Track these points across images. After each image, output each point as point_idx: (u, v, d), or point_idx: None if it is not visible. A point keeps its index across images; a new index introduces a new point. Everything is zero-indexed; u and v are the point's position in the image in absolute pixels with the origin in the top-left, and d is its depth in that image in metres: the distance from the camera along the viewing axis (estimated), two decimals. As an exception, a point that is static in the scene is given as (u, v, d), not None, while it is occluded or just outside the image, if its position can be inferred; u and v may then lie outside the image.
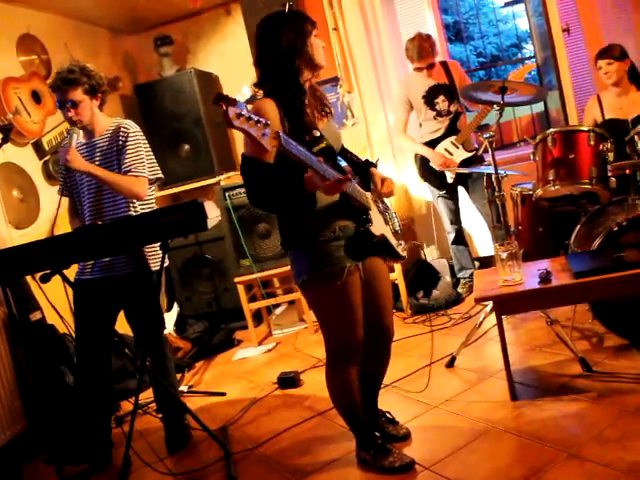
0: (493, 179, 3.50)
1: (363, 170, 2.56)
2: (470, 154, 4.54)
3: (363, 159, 2.63)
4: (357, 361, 2.47)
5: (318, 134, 2.33)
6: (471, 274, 4.71)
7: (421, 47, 4.42)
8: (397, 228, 2.61)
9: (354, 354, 2.45)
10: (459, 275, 4.83)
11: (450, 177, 4.59)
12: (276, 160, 2.24)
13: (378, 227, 2.43)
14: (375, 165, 2.59)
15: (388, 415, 2.79)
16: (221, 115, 1.88)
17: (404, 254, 2.59)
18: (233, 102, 1.88)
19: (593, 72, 4.70)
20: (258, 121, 1.91)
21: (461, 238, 4.82)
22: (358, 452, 2.58)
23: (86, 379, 3.03)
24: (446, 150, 4.56)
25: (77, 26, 5.01)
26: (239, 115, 1.88)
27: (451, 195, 4.71)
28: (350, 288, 2.35)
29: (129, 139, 3.00)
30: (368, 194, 2.49)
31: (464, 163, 4.52)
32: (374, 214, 2.44)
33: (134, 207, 3.04)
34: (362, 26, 5.14)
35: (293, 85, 2.34)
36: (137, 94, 5.40)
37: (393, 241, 2.53)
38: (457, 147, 4.52)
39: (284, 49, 2.30)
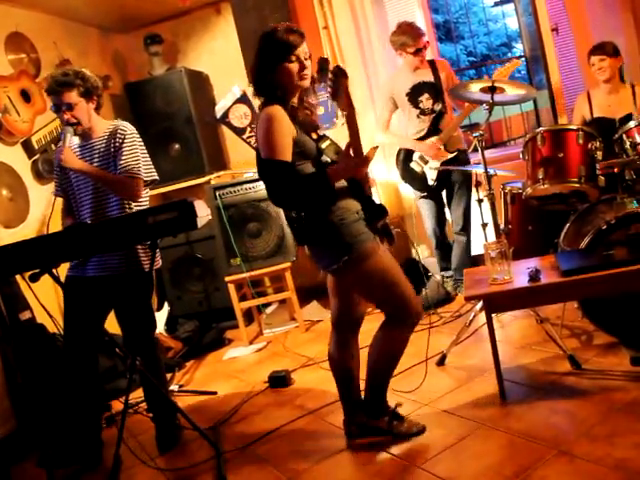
0: (482, 177, 3.51)
1: None
2: (452, 155, 4.47)
3: None
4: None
5: (321, 133, 2.54)
6: (452, 274, 4.73)
7: (412, 29, 4.38)
8: None
9: (413, 320, 2.59)
10: (441, 273, 4.81)
11: (431, 179, 4.52)
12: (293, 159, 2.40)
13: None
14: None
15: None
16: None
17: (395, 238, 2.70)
18: None
19: (582, 71, 4.72)
20: None
21: (444, 244, 4.80)
22: (368, 421, 2.70)
23: (74, 378, 3.02)
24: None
25: (66, 25, 4.99)
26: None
27: (433, 197, 4.65)
28: (386, 257, 2.53)
29: (126, 140, 2.99)
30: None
31: (447, 165, 4.45)
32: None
33: (129, 208, 3.03)
34: (352, 25, 5.15)
35: (280, 98, 2.46)
36: (127, 93, 5.38)
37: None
38: (439, 148, 4.49)
39: (262, 70, 2.46)
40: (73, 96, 2.93)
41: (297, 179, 2.39)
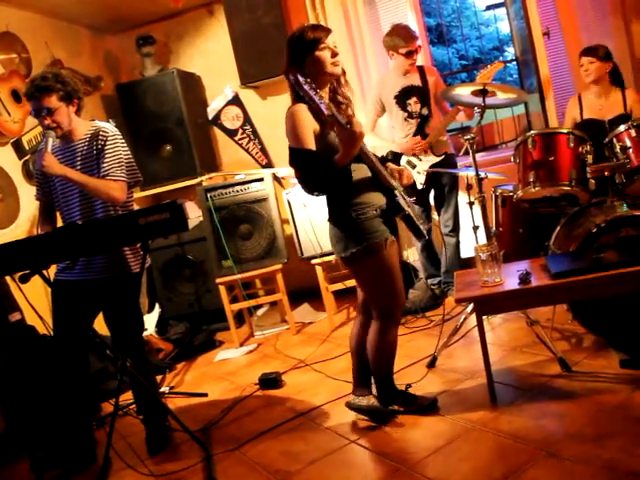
0: (473, 180, 3.52)
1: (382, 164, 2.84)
2: (439, 158, 4.48)
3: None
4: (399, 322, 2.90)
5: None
6: (439, 281, 4.74)
7: (406, 32, 4.40)
8: (417, 212, 2.93)
9: (400, 315, 2.85)
10: (429, 281, 4.79)
11: (420, 183, 4.51)
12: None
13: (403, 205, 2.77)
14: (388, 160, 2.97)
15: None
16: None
17: (425, 234, 2.89)
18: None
19: (573, 75, 4.74)
20: (316, 91, 2.39)
21: (430, 246, 4.79)
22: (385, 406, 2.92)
23: (64, 379, 3.01)
24: (414, 155, 4.52)
25: (58, 25, 4.97)
26: (305, 82, 2.39)
27: (421, 202, 4.60)
28: (393, 257, 2.71)
29: (108, 142, 2.96)
30: (396, 182, 2.81)
31: (435, 168, 4.44)
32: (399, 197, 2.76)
33: (115, 211, 3.01)
34: (345, 27, 5.14)
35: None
36: (119, 94, 5.36)
37: (417, 220, 2.82)
38: (425, 151, 4.49)
39: (293, 64, 2.61)
40: (53, 101, 2.90)
41: (316, 164, 2.55)
